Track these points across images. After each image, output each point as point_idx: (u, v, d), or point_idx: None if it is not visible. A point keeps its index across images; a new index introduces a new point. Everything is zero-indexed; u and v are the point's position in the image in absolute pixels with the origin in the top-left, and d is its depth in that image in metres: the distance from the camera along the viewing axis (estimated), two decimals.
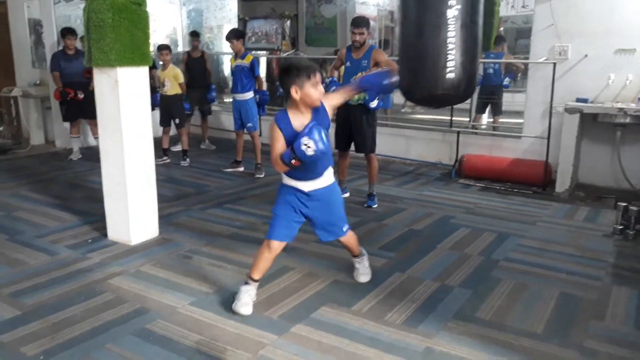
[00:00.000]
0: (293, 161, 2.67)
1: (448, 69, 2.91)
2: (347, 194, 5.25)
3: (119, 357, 2.52)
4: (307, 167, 2.79)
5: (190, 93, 7.02)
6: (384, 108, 8.08)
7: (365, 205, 4.97)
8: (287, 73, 2.75)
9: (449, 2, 2.86)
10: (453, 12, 2.89)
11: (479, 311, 3.00)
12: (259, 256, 2.98)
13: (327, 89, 4.89)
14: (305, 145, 2.60)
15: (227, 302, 3.06)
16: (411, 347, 2.62)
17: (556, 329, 2.80)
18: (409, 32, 3.03)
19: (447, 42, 2.87)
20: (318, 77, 2.74)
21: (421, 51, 2.95)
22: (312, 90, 2.71)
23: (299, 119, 2.76)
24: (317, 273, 3.47)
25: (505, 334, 2.76)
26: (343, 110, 4.93)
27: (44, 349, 2.57)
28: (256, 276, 2.99)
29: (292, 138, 2.68)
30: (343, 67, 5.01)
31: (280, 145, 2.74)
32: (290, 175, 2.90)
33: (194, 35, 7.68)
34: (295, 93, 2.71)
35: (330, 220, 3.08)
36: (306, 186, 2.91)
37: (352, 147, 5.07)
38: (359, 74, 4.72)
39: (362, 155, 5.10)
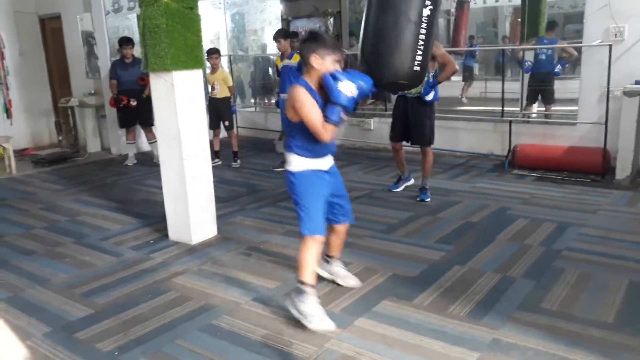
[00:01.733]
0: (343, 115, 2.57)
1: (416, 62, 3.13)
2: (411, 181, 5.31)
3: (190, 352, 2.59)
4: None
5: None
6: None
7: (418, 199, 4.94)
8: (313, 39, 2.68)
9: (426, 2, 3.07)
10: (427, 12, 3.11)
11: (544, 302, 2.93)
12: (308, 257, 2.73)
13: None
14: (348, 88, 2.54)
15: (288, 297, 3.09)
16: (478, 339, 2.59)
17: (628, 319, 2.71)
18: (386, 24, 3.16)
19: (420, 38, 3.11)
20: (340, 57, 2.69)
21: (396, 44, 3.09)
22: (331, 65, 2.63)
23: (315, 90, 2.68)
24: (374, 267, 3.47)
25: (573, 324, 2.69)
26: (402, 102, 4.93)
27: (117, 345, 2.68)
28: (310, 280, 2.73)
29: (320, 105, 2.62)
30: None
31: (318, 109, 2.60)
32: (310, 154, 2.73)
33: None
34: (314, 60, 2.62)
35: (345, 197, 3.00)
36: (326, 163, 2.82)
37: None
38: None
39: (412, 149, 5.06)
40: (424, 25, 3.14)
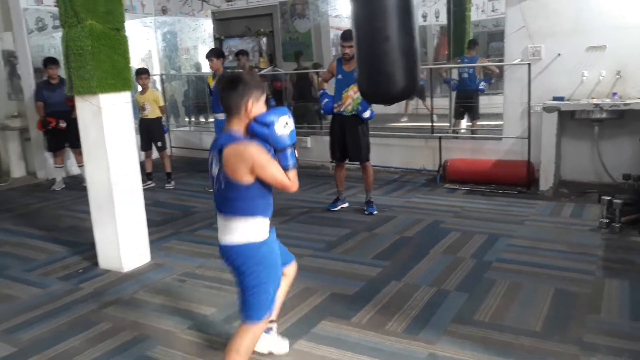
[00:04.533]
0: (296, 154, 2.28)
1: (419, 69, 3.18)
2: (346, 204, 5.34)
3: None
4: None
5: None
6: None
7: (366, 212, 5.06)
8: (244, 83, 2.22)
9: (413, 13, 3.12)
10: (416, 21, 3.17)
11: (477, 313, 3.02)
12: (252, 346, 2.34)
13: (320, 100, 5.02)
14: (286, 123, 2.22)
15: (226, 323, 3.04)
16: (414, 354, 2.63)
17: (555, 326, 2.84)
18: (377, 36, 3.16)
19: (415, 47, 3.13)
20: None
21: (401, 53, 3.12)
22: (263, 106, 2.28)
23: None
24: (313, 287, 3.47)
25: (505, 334, 2.78)
26: (338, 122, 5.01)
27: None
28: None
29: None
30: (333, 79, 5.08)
31: (277, 163, 2.24)
32: (268, 210, 2.30)
33: (238, 54, 7.02)
34: (251, 106, 2.20)
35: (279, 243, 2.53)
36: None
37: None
38: (352, 86, 4.78)
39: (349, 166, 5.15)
40: (415, 32, 3.15)
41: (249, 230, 2.24)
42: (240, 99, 2.20)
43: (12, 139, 7.67)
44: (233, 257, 2.27)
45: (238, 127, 2.24)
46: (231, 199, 2.24)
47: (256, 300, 2.27)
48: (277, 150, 2.23)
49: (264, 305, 2.29)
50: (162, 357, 2.71)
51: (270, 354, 2.69)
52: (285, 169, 2.23)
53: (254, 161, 2.14)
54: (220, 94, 2.28)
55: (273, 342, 2.70)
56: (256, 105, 2.23)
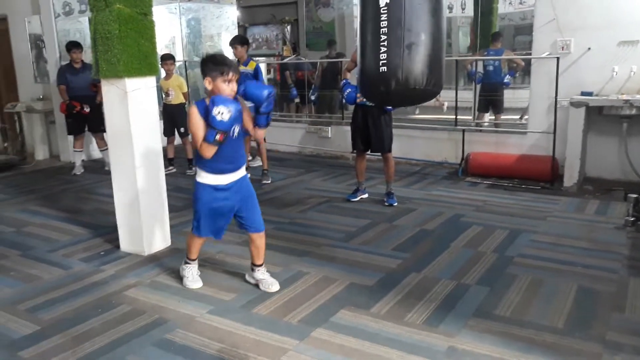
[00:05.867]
0: (218, 136, 2.84)
1: (381, 62, 3.14)
2: (365, 195, 5.30)
3: None
4: (228, 154, 3.01)
5: None
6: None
7: (386, 203, 5.03)
8: (204, 64, 2.98)
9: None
10: (384, 1, 3.10)
11: (498, 308, 2.99)
12: (192, 244, 3.36)
13: (343, 90, 4.99)
14: (219, 112, 2.79)
15: (245, 308, 3.06)
16: (434, 347, 2.61)
17: (577, 323, 2.79)
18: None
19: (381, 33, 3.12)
20: (232, 75, 2.93)
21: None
22: (223, 85, 2.92)
23: None
24: (332, 276, 3.46)
25: (526, 330, 2.74)
26: (361, 112, 4.98)
27: None
28: (193, 257, 3.39)
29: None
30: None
31: (203, 130, 2.91)
32: (211, 168, 3.05)
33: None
34: (208, 84, 2.94)
35: (254, 211, 3.24)
36: (225, 179, 3.09)
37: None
38: None
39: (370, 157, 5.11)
40: (383, 17, 3.05)
41: (198, 173, 3.13)
42: (203, 76, 2.99)
43: (37, 122, 7.79)
44: None
45: (207, 98, 2.98)
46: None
47: (194, 215, 3.22)
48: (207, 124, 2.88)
49: (195, 222, 3.22)
50: (181, 341, 2.73)
51: (257, 285, 3.33)
52: (204, 140, 2.89)
53: (189, 118, 2.96)
54: None
55: (258, 278, 3.33)
56: (212, 84, 2.94)
